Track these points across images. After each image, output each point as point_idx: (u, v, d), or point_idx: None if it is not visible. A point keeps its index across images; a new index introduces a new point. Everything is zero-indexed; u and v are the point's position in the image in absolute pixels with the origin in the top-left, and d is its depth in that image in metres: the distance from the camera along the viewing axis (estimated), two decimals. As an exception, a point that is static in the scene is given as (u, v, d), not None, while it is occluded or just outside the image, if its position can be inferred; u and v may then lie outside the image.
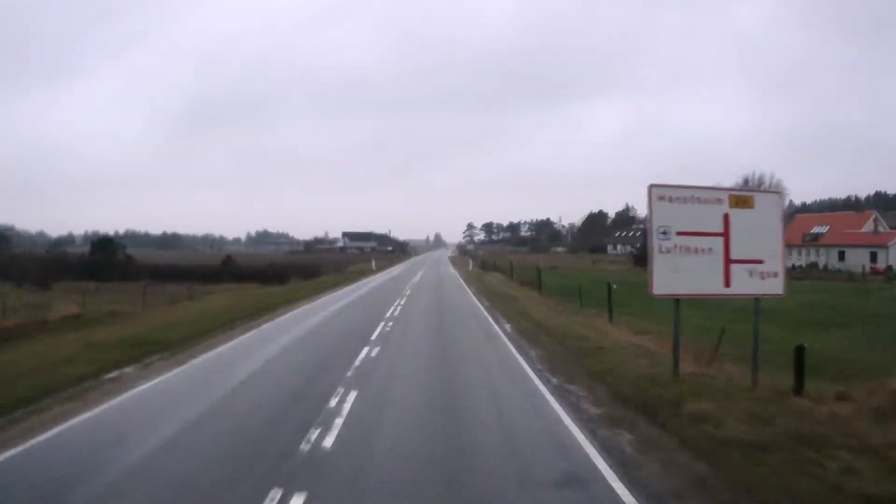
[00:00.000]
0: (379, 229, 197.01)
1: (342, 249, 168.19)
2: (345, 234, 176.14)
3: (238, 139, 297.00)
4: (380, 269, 61.73)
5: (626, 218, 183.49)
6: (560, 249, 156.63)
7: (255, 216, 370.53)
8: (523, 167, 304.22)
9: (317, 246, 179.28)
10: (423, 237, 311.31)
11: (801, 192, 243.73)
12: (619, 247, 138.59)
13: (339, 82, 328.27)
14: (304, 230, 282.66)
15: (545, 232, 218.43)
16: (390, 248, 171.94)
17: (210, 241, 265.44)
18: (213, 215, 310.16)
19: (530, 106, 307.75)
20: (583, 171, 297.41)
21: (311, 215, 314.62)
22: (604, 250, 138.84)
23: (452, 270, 62.64)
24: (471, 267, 64.55)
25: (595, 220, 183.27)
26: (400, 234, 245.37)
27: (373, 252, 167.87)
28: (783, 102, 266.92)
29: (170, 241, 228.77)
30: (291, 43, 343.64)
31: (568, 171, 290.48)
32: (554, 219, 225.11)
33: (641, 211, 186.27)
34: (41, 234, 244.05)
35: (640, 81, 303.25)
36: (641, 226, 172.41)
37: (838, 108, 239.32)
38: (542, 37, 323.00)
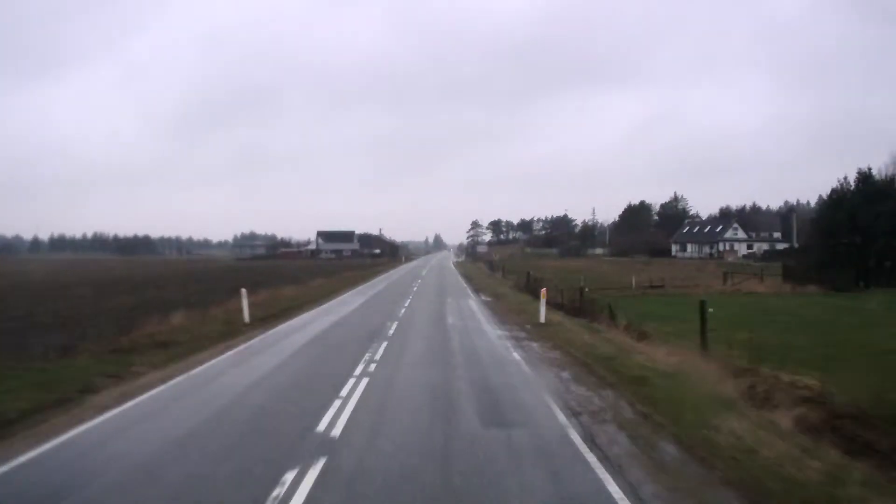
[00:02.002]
0: (373, 230, 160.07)
1: (314, 253, 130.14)
2: (319, 234, 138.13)
3: (230, 138, 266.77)
4: (267, 318, 21.50)
5: (675, 211, 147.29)
6: (599, 251, 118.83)
7: (245, 217, 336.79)
8: (531, 163, 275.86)
9: (283, 249, 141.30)
10: (423, 238, 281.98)
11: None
12: (689, 247, 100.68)
13: (342, 75, 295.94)
14: (295, 232, 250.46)
15: (563, 229, 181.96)
16: (377, 251, 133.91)
17: (179, 244, 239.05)
18: (201, 217, 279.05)
19: (541, 99, 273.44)
20: (598, 165, 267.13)
21: (303, 216, 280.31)
22: (664, 252, 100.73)
23: (486, 326, 19.06)
24: (545, 315, 19.89)
25: (637, 215, 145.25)
26: (398, 235, 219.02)
27: (352, 256, 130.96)
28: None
29: (140, 244, 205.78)
30: (295, 33, 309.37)
31: (582, 166, 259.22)
32: (572, 215, 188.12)
33: (694, 203, 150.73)
34: (18, 238, 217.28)
35: (659, 72, 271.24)
36: (696, 218, 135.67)
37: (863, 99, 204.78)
38: (559, 27, 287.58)
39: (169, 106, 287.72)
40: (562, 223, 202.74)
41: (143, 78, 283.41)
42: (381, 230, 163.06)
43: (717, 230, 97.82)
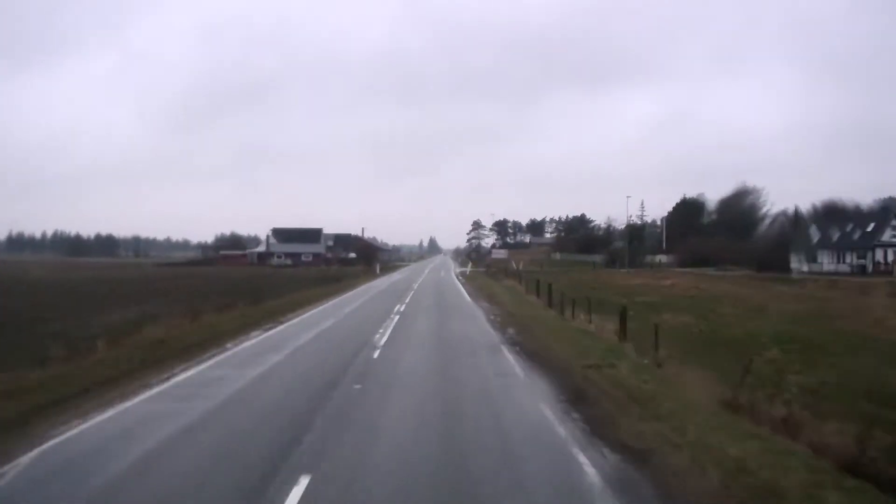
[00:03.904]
0: (368, 233, 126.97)
1: (263, 257, 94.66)
2: (274, 233, 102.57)
3: (222, 135, 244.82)
4: None
5: (742, 207, 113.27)
6: (661, 259, 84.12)
7: (232, 218, 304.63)
8: (539, 163, 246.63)
9: (224, 252, 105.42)
10: (417, 241, 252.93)
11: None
12: (821, 256, 64.71)
13: (347, 69, 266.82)
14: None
15: (581, 230, 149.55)
16: (352, 255, 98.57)
17: (137, 245, 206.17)
18: (185, 217, 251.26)
19: (553, 96, 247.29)
20: (612, 163, 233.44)
21: (293, 216, 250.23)
22: (778, 264, 65.45)
23: None
24: None
25: (691, 210, 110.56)
26: (391, 237, 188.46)
27: (315, 261, 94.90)
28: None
29: (104, 244, 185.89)
30: (297, 21, 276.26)
31: (595, 166, 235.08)
32: (591, 216, 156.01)
33: (774, 191, 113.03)
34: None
35: (682, 69, 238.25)
36: (779, 214, 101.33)
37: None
38: (579, 19, 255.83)
39: (159, 102, 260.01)
40: (578, 224, 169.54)
41: (134, 70, 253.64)
42: (363, 230, 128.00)
43: (868, 230, 62.83)
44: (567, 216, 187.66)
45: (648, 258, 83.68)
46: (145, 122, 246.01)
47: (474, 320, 21.59)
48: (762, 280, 51.78)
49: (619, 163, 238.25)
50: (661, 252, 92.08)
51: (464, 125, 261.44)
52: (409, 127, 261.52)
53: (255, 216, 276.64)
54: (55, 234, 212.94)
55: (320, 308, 26.68)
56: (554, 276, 53.83)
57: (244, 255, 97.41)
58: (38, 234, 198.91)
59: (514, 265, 76.38)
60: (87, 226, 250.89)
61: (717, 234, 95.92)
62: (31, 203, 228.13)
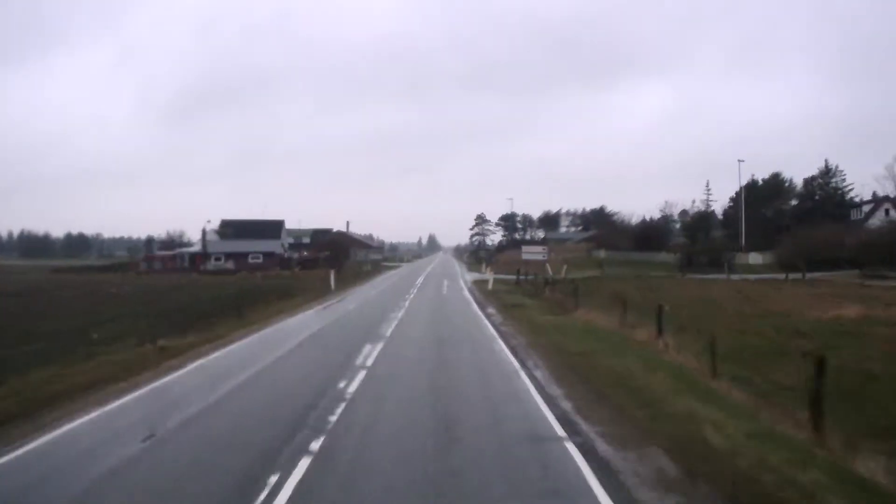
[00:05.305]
0: (364, 229, 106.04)
1: (194, 260, 69.23)
2: (224, 226, 77.03)
3: (215, 132, 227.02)
4: None
5: (826, 192, 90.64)
6: (756, 258, 58.85)
7: (225, 216, 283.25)
8: (539, 157, 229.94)
9: (149, 254, 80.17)
10: (416, 239, 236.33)
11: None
12: None
13: (350, 61, 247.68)
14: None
15: (601, 224, 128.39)
16: (325, 255, 73.44)
17: (101, 245, 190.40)
18: (177, 215, 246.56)
19: (561, 89, 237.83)
20: (623, 159, 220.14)
21: (288, 213, 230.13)
22: None
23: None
24: None
25: (771, 193, 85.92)
26: (390, 235, 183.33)
27: (271, 261, 69.07)
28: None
29: (74, 243, 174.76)
30: (297, 9, 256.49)
31: (606, 160, 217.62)
32: (613, 208, 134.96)
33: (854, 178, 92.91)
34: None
35: (693, 64, 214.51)
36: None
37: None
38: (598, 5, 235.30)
39: (147, 98, 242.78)
40: (598, 217, 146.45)
41: (129, 59, 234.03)
42: (348, 223, 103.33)
43: None
44: (584, 209, 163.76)
45: (736, 257, 58.59)
46: (130, 119, 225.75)
47: None
48: None
49: (634, 155, 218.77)
50: (740, 248, 67.16)
51: (467, 120, 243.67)
52: (412, 122, 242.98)
53: (247, 213, 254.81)
54: (21, 234, 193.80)
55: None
56: (641, 293, 28.89)
57: (173, 257, 71.82)
58: (5, 235, 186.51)
59: (546, 267, 51.49)
60: (60, 226, 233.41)
61: (809, 225, 72.01)
62: (5, 203, 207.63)
